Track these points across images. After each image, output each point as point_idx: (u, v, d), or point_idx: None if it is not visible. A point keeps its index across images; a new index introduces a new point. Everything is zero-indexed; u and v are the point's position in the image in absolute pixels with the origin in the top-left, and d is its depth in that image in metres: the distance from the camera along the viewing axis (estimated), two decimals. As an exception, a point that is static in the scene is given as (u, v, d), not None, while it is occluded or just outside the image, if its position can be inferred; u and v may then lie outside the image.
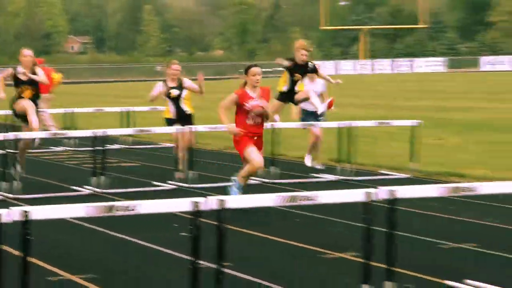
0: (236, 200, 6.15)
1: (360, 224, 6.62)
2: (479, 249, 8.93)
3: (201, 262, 6.27)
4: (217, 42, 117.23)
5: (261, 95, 11.39)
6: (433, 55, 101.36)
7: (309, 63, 14.08)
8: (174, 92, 14.21)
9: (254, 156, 11.17)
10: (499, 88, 49.23)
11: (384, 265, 6.60)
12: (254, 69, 11.46)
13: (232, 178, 11.41)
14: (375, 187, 6.60)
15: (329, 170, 15.25)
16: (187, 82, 14.41)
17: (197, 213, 5.95)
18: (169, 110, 14.50)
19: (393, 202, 6.54)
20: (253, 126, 11.35)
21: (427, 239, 9.52)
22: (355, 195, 6.55)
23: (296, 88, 14.01)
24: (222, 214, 6.01)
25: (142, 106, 22.82)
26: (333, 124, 15.32)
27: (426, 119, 20.11)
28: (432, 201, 11.36)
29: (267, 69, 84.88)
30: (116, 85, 69.54)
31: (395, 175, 14.71)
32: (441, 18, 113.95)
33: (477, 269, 8.09)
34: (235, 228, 9.78)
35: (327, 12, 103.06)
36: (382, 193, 6.51)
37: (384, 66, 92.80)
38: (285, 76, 14.06)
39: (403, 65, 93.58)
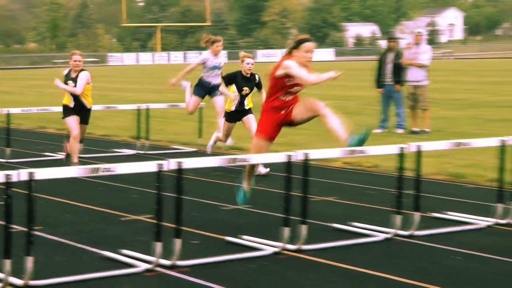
0: (45, 172, 5.99)
1: (153, 191, 6.60)
2: (253, 210, 9.12)
3: (15, 226, 6.12)
4: (31, 36, 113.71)
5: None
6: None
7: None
8: (71, 85, 11.62)
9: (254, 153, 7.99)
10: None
11: (174, 225, 6.63)
12: (309, 45, 7.81)
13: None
14: (165, 159, 6.61)
15: (128, 146, 15.16)
16: (82, 77, 11.61)
17: (9, 184, 5.78)
18: (69, 98, 11.77)
19: (180, 171, 6.57)
20: (284, 101, 8.01)
21: (211, 202, 9.64)
22: (148, 166, 6.53)
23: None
24: (32, 184, 5.88)
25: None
26: (133, 106, 15.25)
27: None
28: (216, 171, 11.51)
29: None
30: None
31: (184, 149, 14.80)
32: (222, 18, 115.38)
33: (252, 226, 8.26)
34: (47, 196, 9.60)
35: (127, 11, 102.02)
36: (171, 164, 6.53)
37: (178, 58, 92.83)
38: None
39: (194, 56, 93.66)
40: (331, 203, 9.65)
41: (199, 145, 14.69)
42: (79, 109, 11.78)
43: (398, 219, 7.77)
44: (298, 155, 7.17)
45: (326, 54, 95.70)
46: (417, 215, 7.83)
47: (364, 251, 7.31)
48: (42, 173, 5.95)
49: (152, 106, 15.36)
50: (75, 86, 11.60)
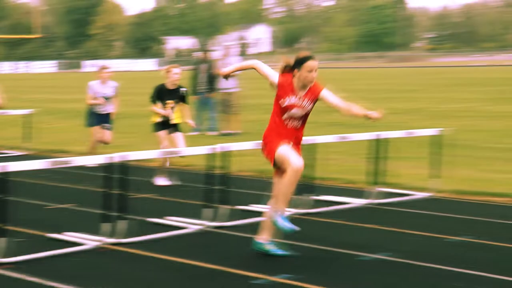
0: None
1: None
2: (77, 208, 8.92)
3: None
4: None
5: (309, 92, 6.45)
6: (47, 59, 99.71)
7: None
8: None
9: (291, 156, 6.30)
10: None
11: (-2, 225, 6.38)
12: (312, 63, 6.34)
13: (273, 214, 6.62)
14: (-11, 163, 6.35)
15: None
16: None
17: None
18: None
19: (4, 174, 6.32)
20: (291, 130, 6.50)
21: (36, 202, 9.33)
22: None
23: None
24: None
25: None
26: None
27: (41, 108, 19.78)
28: (43, 172, 11.17)
29: None
30: None
31: (12, 153, 14.28)
32: (52, 30, 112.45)
33: (75, 223, 8.07)
34: None
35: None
36: (-5, 167, 6.28)
37: (7, 67, 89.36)
38: None
39: (23, 67, 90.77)
40: (149, 199, 9.60)
41: (27, 149, 14.23)
42: None
43: (209, 212, 7.84)
44: (117, 157, 7.08)
45: (149, 64, 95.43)
46: (225, 208, 7.94)
47: (179, 242, 7.32)
48: None
49: (-19, 113, 14.74)
50: None
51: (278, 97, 6.48)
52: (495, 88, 35.66)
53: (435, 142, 9.78)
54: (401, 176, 10.88)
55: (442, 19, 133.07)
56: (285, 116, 6.47)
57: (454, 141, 13.60)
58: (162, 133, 10.64)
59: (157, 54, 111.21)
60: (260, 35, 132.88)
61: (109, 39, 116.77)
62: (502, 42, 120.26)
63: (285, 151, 6.35)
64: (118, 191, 7.10)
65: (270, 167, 11.61)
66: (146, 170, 11.89)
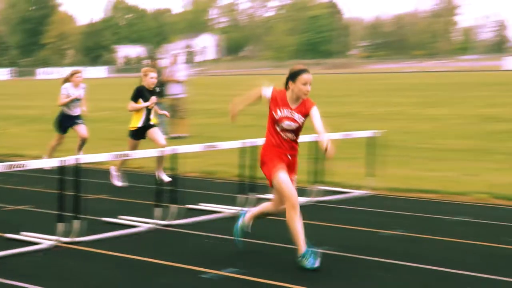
0: None
1: None
2: (33, 209, 8.81)
3: None
4: None
5: (301, 106, 6.30)
6: (1, 67, 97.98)
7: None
8: None
9: (286, 191, 6.14)
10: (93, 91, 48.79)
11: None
12: (306, 76, 6.22)
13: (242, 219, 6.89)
14: None
15: None
16: None
17: None
18: None
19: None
20: (287, 141, 6.32)
21: (-7, 204, 9.20)
22: None
23: None
24: None
25: None
26: None
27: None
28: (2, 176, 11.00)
29: None
30: None
31: (-31, 157, 14.03)
32: (5, 39, 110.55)
33: (32, 224, 7.96)
34: None
35: None
36: (-48, 171, 6.16)
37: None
38: None
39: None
40: (103, 200, 9.52)
41: (-17, 153, 14.00)
42: None
43: (159, 211, 7.83)
44: (70, 160, 7.02)
45: (99, 71, 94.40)
46: (175, 207, 7.93)
47: (132, 240, 7.29)
48: None
49: None
50: None
51: (271, 110, 6.27)
52: (423, 92, 36.29)
53: (370, 143, 9.94)
54: (339, 175, 11.01)
55: (375, 28, 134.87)
56: (278, 129, 6.27)
57: (387, 142, 13.84)
58: (136, 142, 10.52)
59: (108, 62, 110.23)
60: (206, 44, 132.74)
61: (61, 47, 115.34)
62: (430, 50, 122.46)
63: (282, 181, 6.16)
64: (72, 193, 7.04)
65: (218, 168, 11.66)
66: (99, 172, 11.80)
